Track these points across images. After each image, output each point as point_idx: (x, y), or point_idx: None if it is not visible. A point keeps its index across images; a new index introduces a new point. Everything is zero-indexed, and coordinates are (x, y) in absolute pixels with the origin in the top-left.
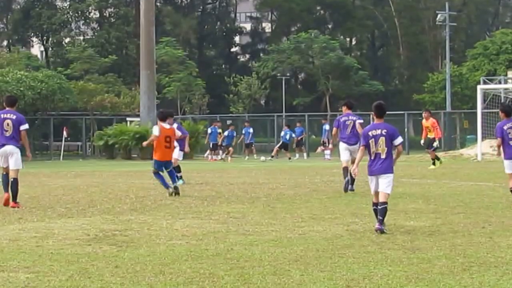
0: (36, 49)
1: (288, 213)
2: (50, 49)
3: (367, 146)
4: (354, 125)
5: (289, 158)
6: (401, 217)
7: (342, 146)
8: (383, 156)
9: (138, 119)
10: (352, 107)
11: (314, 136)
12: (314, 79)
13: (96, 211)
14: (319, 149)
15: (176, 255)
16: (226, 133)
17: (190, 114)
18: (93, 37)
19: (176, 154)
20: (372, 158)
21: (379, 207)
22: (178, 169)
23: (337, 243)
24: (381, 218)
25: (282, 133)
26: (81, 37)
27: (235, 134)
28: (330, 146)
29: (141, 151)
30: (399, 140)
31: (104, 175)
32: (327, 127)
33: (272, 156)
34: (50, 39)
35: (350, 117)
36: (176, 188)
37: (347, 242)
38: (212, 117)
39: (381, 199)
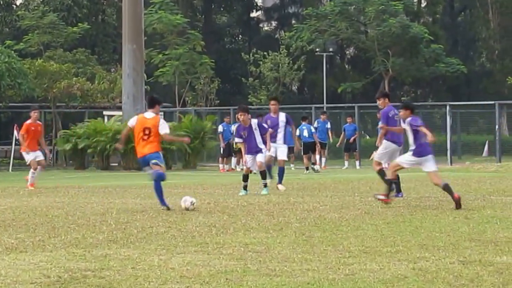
0: None
1: (331, 244)
2: None
3: None
4: None
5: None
6: (489, 250)
7: None
8: None
9: (119, 113)
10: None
11: (368, 137)
12: (367, 56)
13: (59, 243)
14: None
15: None
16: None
17: (193, 106)
18: None
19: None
20: None
21: None
22: (263, 175)
23: (399, 286)
24: None
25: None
26: None
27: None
28: None
29: (124, 158)
30: None
31: (71, 193)
32: None
33: (313, 166)
34: None
35: None
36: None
37: (412, 285)
38: (224, 110)
39: None
